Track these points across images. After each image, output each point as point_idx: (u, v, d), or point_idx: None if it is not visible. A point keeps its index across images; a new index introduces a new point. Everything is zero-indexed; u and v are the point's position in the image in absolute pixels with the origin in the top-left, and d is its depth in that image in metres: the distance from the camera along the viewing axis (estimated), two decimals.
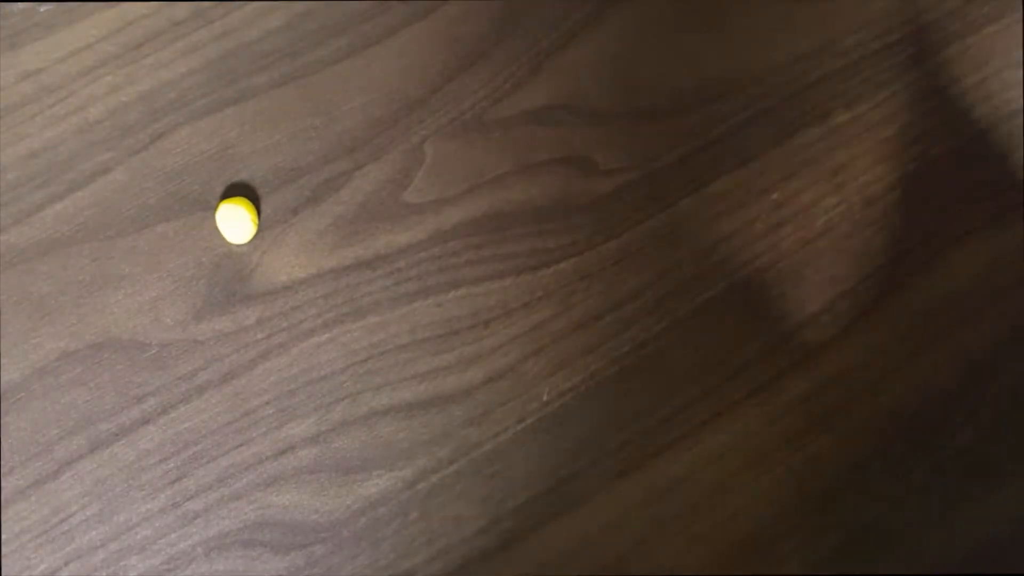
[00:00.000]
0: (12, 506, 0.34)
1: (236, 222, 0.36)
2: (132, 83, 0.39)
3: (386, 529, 0.34)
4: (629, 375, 0.36)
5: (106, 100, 0.38)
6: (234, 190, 0.38)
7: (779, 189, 0.39)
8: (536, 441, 0.35)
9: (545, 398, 0.36)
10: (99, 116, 0.38)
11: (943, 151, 0.39)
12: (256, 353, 0.36)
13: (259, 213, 0.37)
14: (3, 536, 0.34)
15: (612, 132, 0.39)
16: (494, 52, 0.40)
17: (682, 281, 0.37)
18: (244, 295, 0.36)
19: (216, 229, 0.37)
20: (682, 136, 0.39)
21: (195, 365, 0.36)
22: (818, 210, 0.38)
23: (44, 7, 0.39)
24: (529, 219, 0.38)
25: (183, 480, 0.34)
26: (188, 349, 0.36)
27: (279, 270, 0.37)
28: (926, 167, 0.39)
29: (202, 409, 0.35)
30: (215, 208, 0.37)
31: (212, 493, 0.34)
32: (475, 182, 0.38)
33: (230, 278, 0.37)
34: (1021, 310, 0.37)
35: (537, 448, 0.35)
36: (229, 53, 0.39)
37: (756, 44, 0.40)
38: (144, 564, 0.34)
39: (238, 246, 0.37)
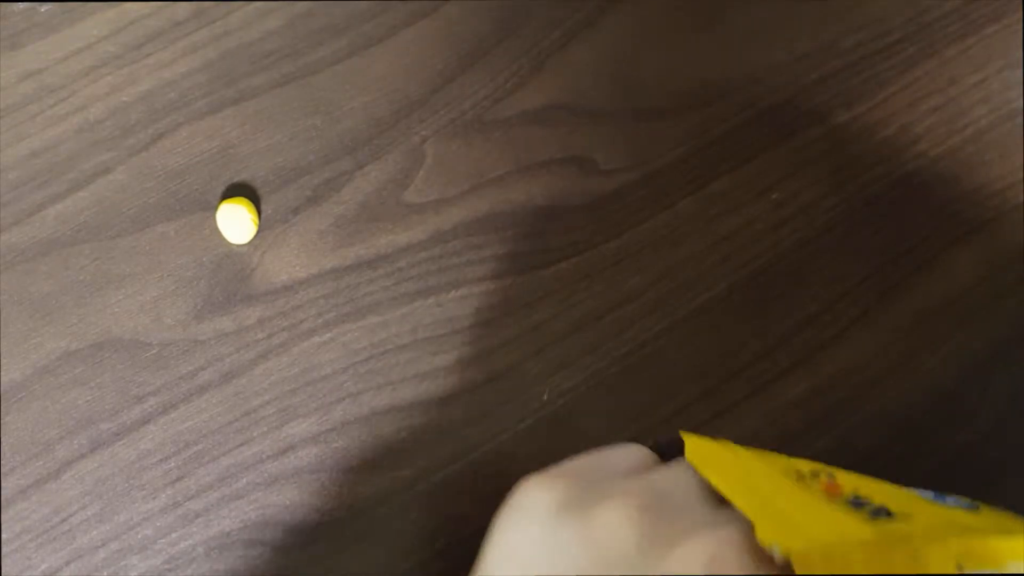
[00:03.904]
0: (13, 506, 0.34)
1: (236, 222, 0.36)
2: (133, 83, 0.39)
3: (386, 529, 0.34)
4: (629, 375, 0.36)
5: (107, 100, 0.38)
6: (234, 190, 0.38)
7: (779, 189, 0.39)
8: (536, 441, 0.35)
9: (545, 398, 0.36)
10: (100, 116, 0.38)
11: (943, 151, 0.39)
12: (257, 353, 0.36)
13: (259, 213, 0.37)
14: (4, 536, 0.34)
15: (612, 132, 0.39)
16: (494, 52, 0.40)
17: (682, 281, 0.37)
18: (245, 295, 0.36)
19: (216, 229, 0.37)
20: (682, 136, 0.39)
21: (196, 365, 0.36)
22: (818, 210, 0.38)
23: (44, 7, 0.39)
24: (529, 219, 0.38)
25: (184, 480, 0.35)
26: (189, 349, 0.36)
27: (279, 270, 0.37)
28: (926, 167, 0.39)
29: (203, 409, 0.35)
30: (216, 208, 0.37)
31: (213, 493, 0.34)
32: (475, 182, 0.38)
33: (231, 278, 0.37)
34: (1021, 310, 0.37)
35: (537, 448, 0.35)
36: (229, 53, 0.39)
37: (756, 44, 0.40)
38: (145, 564, 0.34)
39: (238, 246, 0.37)
